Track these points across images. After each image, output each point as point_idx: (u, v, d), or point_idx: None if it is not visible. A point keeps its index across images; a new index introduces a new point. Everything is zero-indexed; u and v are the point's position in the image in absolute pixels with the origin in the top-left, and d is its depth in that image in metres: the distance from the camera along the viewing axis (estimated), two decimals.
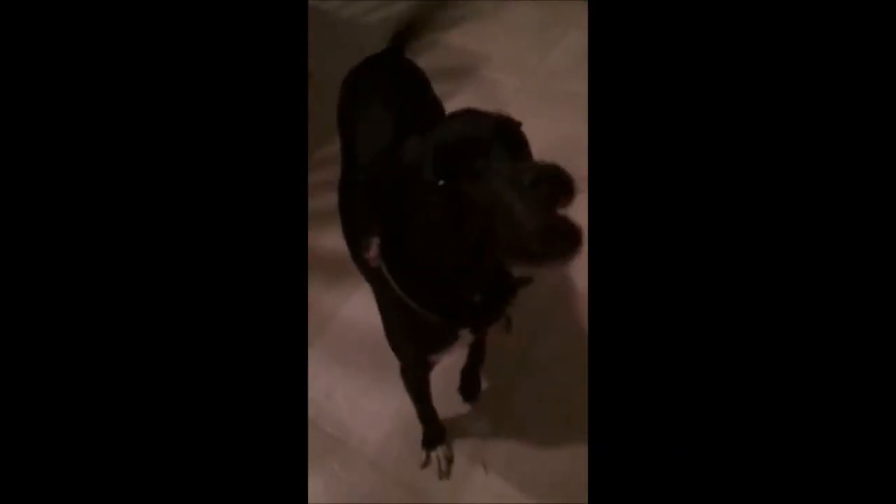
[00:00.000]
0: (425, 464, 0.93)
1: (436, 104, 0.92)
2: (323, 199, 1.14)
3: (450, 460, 0.93)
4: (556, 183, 0.40)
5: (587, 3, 0.40)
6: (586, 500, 0.33)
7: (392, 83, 0.91)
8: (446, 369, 0.92)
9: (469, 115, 0.52)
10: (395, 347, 0.72)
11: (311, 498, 0.89)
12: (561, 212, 0.41)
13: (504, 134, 0.48)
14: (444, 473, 0.91)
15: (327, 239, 1.06)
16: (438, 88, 0.95)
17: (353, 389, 1.02)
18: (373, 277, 0.67)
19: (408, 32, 0.99)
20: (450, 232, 0.48)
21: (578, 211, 0.41)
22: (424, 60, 0.94)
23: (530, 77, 1.57)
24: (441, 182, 0.46)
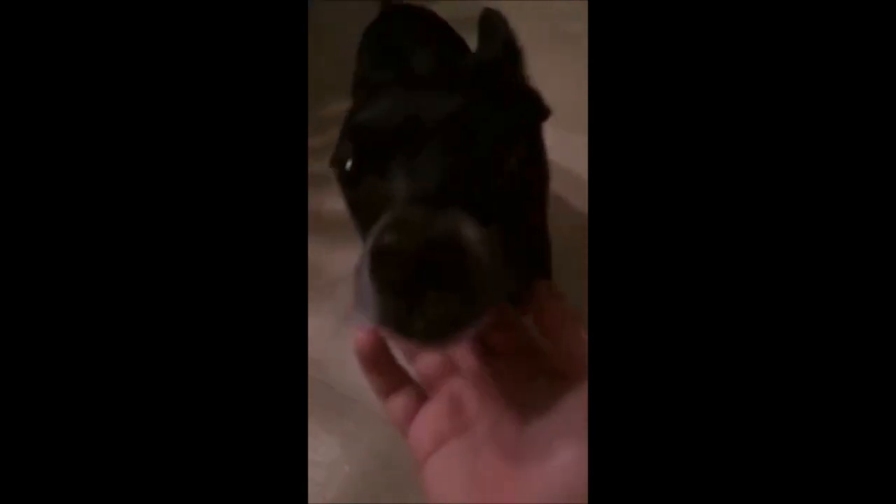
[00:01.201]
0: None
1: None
2: (327, 161, 1.13)
3: None
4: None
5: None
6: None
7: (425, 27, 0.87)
8: None
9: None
10: None
11: (328, 457, 0.91)
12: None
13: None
14: None
15: (334, 201, 1.05)
16: None
17: None
18: None
19: None
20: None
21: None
22: None
23: (537, 21, 1.52)
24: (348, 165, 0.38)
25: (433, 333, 0.29)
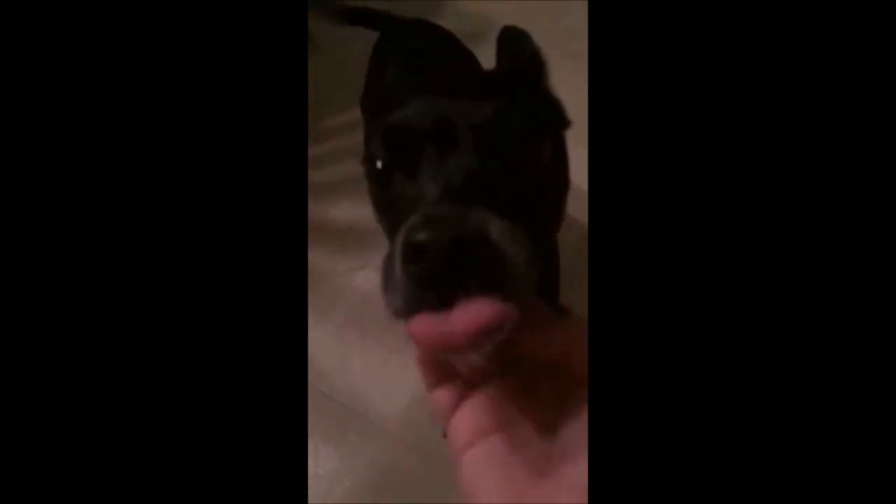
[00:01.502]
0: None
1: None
2: (331, 169, 1.14)
3: None
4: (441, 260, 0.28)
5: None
6: None
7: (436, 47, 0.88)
8: None
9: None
10: None
11: (328, 469, 0.90)
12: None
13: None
14: None
15: (338, 210, 1.05)
16: None
17: (370, 360, 1.02)
18: None
19: None
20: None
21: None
22: None
23: (544, 38, 1.52)
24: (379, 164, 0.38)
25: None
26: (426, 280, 0.29)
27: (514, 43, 0.53)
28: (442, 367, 0.38)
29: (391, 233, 0.38)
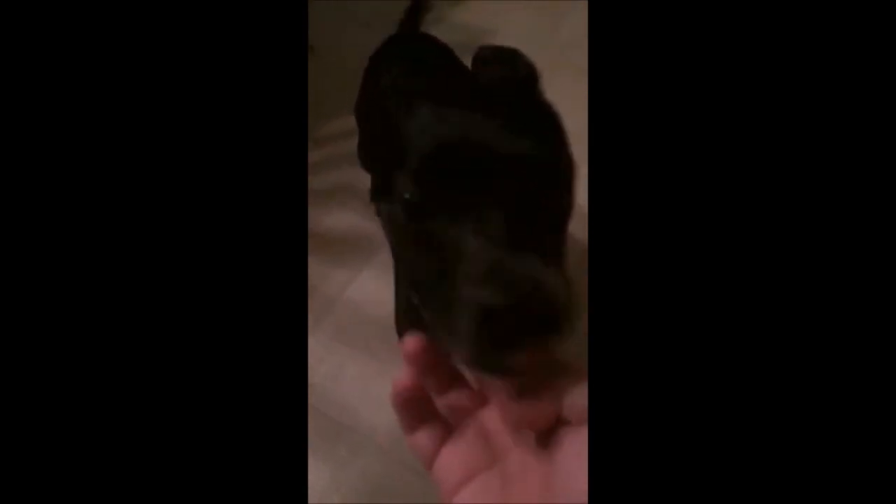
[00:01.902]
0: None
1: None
2: (325, 176, 1.13)
3: None
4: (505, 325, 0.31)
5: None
6: None
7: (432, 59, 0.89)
8: None
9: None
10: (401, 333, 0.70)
11: (318, 485, 0.88)
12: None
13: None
14: None
15: (332, 218, 1.04)
16: None
17: (361, 372, 1.01)
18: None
19: (414, 16, 0.97)
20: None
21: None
22: None
23: (542, 51, 1.52)
24: (408, 195, 0.38)
25: (519, 368, 0.32)
26: (493, 338, 0.31)
27: (503, 59, 0.53)
28: (420, 408, 0.36)
29: (411, 263, 0.40)
